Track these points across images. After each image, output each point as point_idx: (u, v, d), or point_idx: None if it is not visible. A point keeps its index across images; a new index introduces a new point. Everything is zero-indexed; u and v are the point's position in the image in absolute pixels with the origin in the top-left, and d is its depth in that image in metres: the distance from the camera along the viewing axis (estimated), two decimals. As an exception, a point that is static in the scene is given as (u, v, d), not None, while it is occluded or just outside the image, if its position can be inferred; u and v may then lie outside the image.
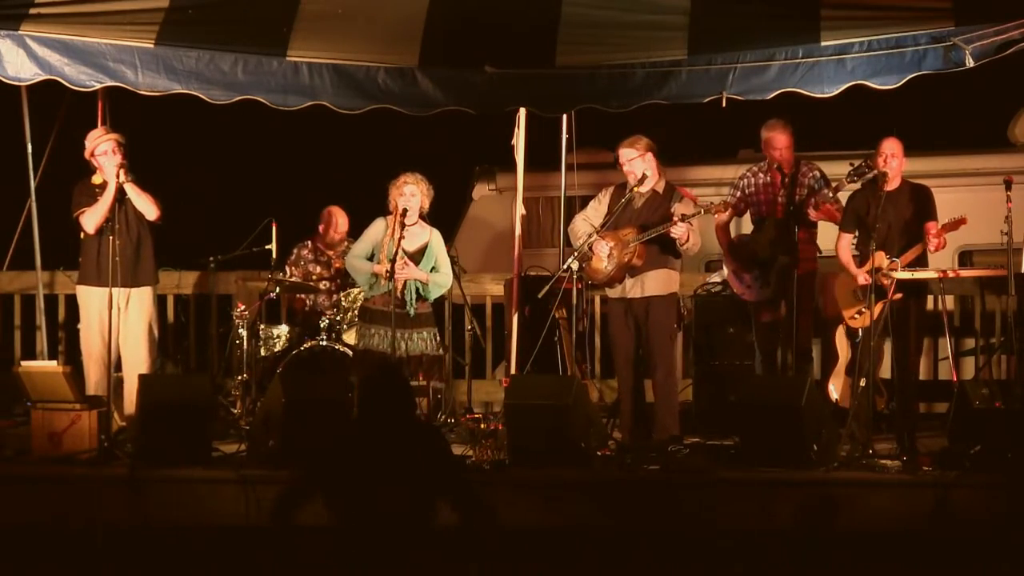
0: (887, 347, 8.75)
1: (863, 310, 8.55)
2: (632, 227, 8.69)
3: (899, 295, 8.46)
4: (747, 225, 9.45)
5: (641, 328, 8.75)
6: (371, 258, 8.87)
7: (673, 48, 8.60)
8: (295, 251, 10.22)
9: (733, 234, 9.40)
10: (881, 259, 8.42)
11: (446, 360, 9.48)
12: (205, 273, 10.40)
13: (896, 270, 8.44)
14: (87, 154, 8.94)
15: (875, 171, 8.53)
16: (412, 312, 8.80)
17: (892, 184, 8.56)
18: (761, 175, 9.17)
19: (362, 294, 9.27)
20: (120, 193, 8.72)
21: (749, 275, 9.13)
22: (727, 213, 9.09)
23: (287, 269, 10.08)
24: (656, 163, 8.76)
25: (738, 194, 9.20)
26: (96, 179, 8.93)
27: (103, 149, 8.83)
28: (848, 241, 8.76)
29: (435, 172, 9.04)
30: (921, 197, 8.62)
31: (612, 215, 8.74)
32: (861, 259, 8.66)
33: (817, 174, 9.08)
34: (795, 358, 8.92)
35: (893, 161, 8.52)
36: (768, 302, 9.08)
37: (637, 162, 8.73)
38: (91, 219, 8.81)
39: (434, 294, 8.92)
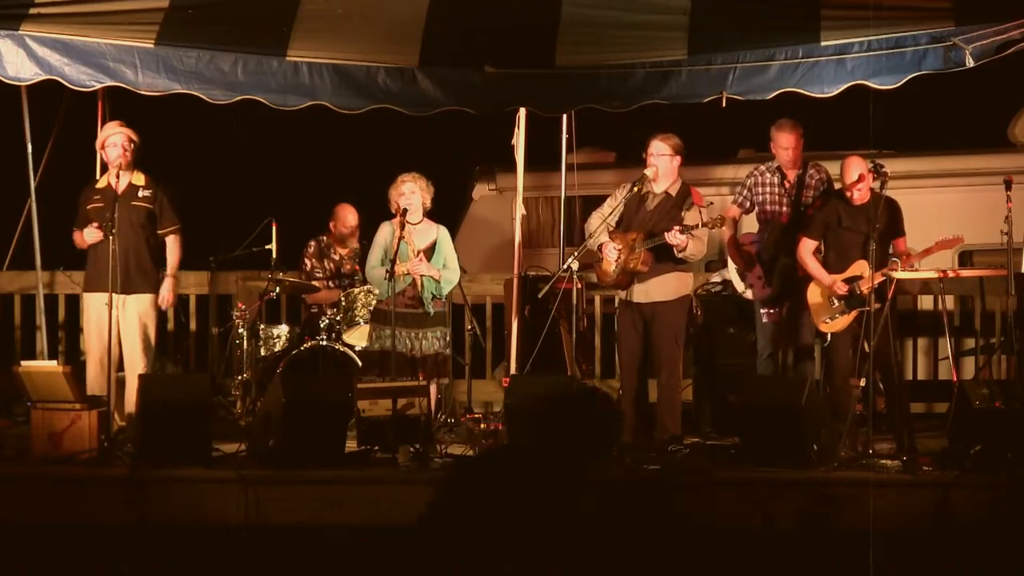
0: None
1: (835, 315, 8.54)
2: (641, 232, 8.67)
3: (877, 304, 8.37)
4: (750, 224, 9.45)
5: (648, 332, 8.74)
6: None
7: (673, 48, 8.60)
8: (311, 245, 10.23)
9: (737, 233, 9.39)
10: (864, 267, 8.38)
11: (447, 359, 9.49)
12: (205, 273, 10.41)
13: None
14: (98, 146, 8.99)
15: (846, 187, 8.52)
16: (431, 311, 8.82)
17: (863, 198, 8.52)
18: (768, 174, 9.16)
19: (362, 295, 9.25)
20: (121, 194, 8.74)
21: (752, 274, 9.12)
22: (736, 212, 9.10)
23: (306, 262, 10.09)
24: (679, 166, 8.74)
25: (746, 192, 9.21)
26: (100, 182, 8.95)
27: (113, 141, 8.86)
28: (812, 247, 8.70)
29: (435, 172, 9.04)
30: (892, 210, 8.57)
31: (626, 211, 8.73)
32: (833, 267, 8.61)
33: (824, 177, 9.07)
34: (796, 357, 8.91)
35: (855, 172, 8.47)
36: (771, 301, 9.08)
37: (665, 159, 8.71)
38: (79, 240, 8.86)
39: (445, 290, 8.95)
